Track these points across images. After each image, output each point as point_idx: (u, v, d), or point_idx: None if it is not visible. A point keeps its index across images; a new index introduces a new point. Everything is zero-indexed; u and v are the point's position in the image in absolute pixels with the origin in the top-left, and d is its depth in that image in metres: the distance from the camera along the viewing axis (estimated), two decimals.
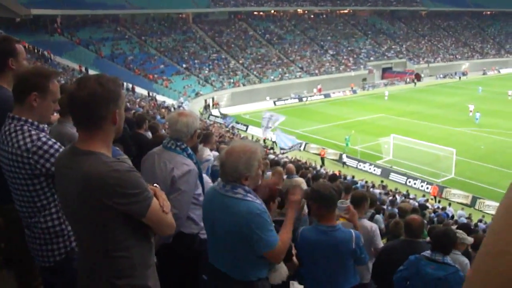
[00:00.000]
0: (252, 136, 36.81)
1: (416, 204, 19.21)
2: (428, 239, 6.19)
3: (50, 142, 2.92)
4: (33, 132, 2.92)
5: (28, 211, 2.97)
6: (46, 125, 3.14)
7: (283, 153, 30.52)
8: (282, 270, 3.62)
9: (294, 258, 4.02)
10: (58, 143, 2.98)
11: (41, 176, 2.90)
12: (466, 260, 5.42)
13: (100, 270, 2.31)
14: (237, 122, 42.13)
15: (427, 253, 4.44)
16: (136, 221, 2.29)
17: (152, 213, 2.27)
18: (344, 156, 33.47)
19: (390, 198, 19.83)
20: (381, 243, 5.97)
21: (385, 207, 15.60)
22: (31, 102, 2.94)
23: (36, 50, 43.54)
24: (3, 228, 3.97)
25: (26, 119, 2.95)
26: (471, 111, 43.86)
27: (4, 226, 3.80)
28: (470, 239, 5.87)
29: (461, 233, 5.74)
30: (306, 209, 7.36)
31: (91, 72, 44.06)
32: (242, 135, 37.23)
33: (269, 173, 7.73)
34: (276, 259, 3.22)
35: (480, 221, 19.94)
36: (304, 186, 8.44)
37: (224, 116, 40.51)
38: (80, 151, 2.25)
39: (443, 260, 4.34)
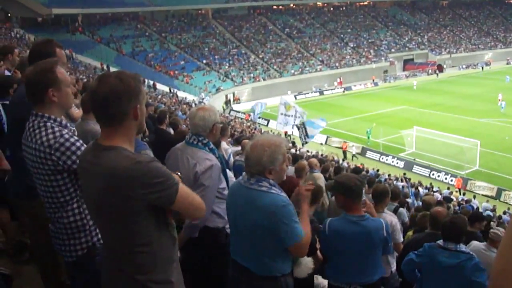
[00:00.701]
0: (271, 130, 36.75)
1: (440, 196, 19.04)
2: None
3: (72, 140, 2.96)
4: (56, 129, 2.96)
5: (52, 206, 3.02)
6: (69, 123, 3.18)
7: (304, 144, 30.38)
8: (307, 264, 3.62)
9: (318, 252, 4.03)
10: (81, 141, 3.02)
11: (64, 172, 2.94)
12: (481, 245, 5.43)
13: (123, 265, 2.34)
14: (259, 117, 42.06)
15: (440, 242, 4.44)
16: (160, 215, 2.32)
17: (180, 198, 2.30)
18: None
19: (413, 190, 19.68)
20: (401, 238, 5.96)
21: (410, 200, 15.49)
22: (51, 98, 2.98)
23: None
24: (28, 225, 4.05)
25: (49, 116, 2.99)
26: (500, 99, 43.24)
27: (29, 222, 3.88)
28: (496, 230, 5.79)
29: (498, 230, 5.68)
30: (327, 202, 7.36)
31: (112, 69, 44.54)
32: (263, 130, 37.22)
33: (291, 168, 7.70)
34: (301, 252, 3.22)
35: (505, 213, 19.66)
36: (322, 181, 8.39)
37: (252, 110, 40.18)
38: (103, 146, 2.28)
39: (456, 248, 4.33)
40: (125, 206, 2.22)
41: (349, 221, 4.03)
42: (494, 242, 5.41)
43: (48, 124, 2.97)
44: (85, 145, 2.94)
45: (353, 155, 32.64)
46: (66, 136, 2.95)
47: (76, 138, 3.00)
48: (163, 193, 2.24)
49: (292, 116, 32.66)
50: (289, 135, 34.71)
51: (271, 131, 35.98)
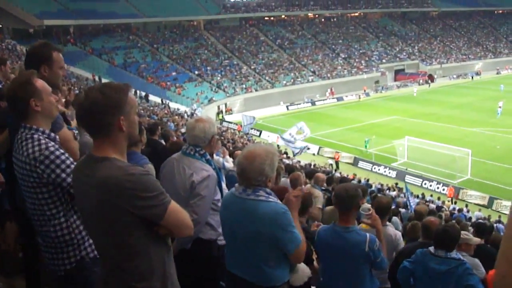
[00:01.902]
0: (264, 142, 36.79)
1: (433, 206, 19.08)
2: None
3: (57, 152, 2.93)
4: (42, 141, 2.94)
5: (40, 219, 3.00)
6: (56, 135, 3.16)
7: (295, 155, 30.46)
8: (304, 271, 3.63)
9: (315, 263, 4.03)
10: (66, 154, 2.99)
11: (49, 185, 2.92)
12: (475, 260, 5.38)
13: (120, 275, 2.34)
14: (252, 128, 42.16)
15: (432, 248, 4.45)
16: (154, 226, 2.32)
17: (169, 215, 2.30)
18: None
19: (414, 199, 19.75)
20: None
21: (403, 210, 15.52)
22: (34, 108, 2.98)
23: None
24: (18, 235, 4.04)
25: (37, 128, 2.99)
26: (500, 107, 43.95)
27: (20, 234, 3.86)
28: (475, 239, 5.79)
29: (464, 234, 5.69)
30: (320, 214, 7.34)
31: (104, 81, 44.51)
32: (256, 140, 37.25)
33: (283, 180, 7.68)
34: (300, 258, 3.23)
35: (498, 221, 19.72)
36: (320, 197, 8.23)
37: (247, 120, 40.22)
38: (96, 157, 2.31)
39: (446, 255, 4.34)
40: (118, 217, 2.23)
41: (334, 231, 4.00)
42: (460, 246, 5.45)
43: (35, 136, 2.96)
44: (71, 159, 2.97)
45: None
46: (52, 148, 2.92)
47: (62, 151, 2.97)
48: (153, 208, 2.25)
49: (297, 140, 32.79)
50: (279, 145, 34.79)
51: (263, 142, 35.99)
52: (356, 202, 3.98)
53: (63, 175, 2.88)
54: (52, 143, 2.99)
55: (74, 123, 4.54)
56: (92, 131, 2.35)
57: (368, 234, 3.95)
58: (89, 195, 2.28)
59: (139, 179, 2.22)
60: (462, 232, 5.78)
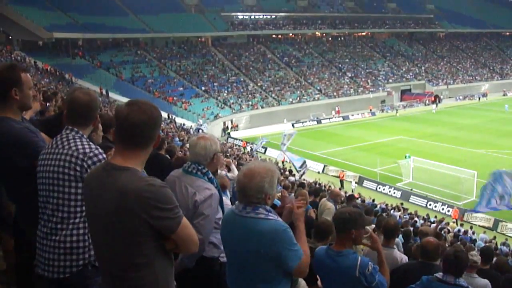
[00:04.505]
0: (269, 159, 36.76)
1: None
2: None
3: (104, 155, 3.10)
4: (91, 143, 3.12)
5: (58, 215, 3.00)
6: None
7: (300, 173, 30.39)
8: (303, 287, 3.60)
9: (319, 283, 3.98)
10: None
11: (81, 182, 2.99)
12: (485, 281, 5.32)
13: (124, 284, 2.36)
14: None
15: (439, 274, 4.33)
16: (163, 238, 2.37)
17: (181, 230, 2.38)
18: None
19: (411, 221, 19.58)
20: None
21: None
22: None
23: (57, 73, 44.34)
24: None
25: (83, 134, 3.16)
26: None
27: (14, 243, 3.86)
28: (478, 258, 5.75)
29: (474, 255, 5.64)
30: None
31: (112, 94, 44.75)
32: (260, 157, 37.23)
33: (292, 196, 7.68)
34: (302, 273, 3.18)
35: (503, 244, 19.55)
36: (331, 210, 8.25)
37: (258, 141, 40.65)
38: (117, 166, 2.37)
39: (455, 282, 4.23)
40: (132, 226, 2.28)
41: (327, 254, 3.91)
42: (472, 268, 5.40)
43: (83, 138, 3.13)
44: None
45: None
46: (100, 150, 3.12)
47: (104, 155, 3.14)
48: (168, 220, 2.32)
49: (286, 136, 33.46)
50: (287, 162, 34.76)
51: (269, 159, 36.01)
52: (349, 226, 3.82)
53: None
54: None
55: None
56: (136, 143, 2.42)
57: (359, 257, 3.78)
58: (105, 202, 2.33)
59: (159, 190, 2.30)
60: (472, 253, 5.73)
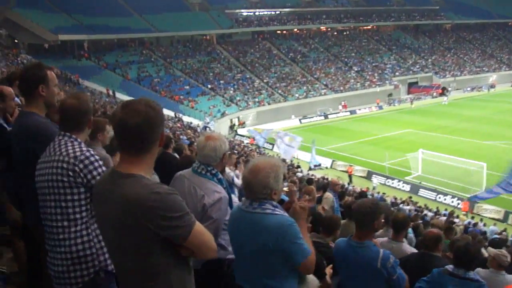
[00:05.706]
0: (277, 154, 36.73)
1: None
2: (448, 253, 6.00)
3: (96, 157, 3.06)
4: (83, 146, 3.09)
5: (58, 225, 2.96)
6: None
7: (314, 169, 30.41)
8: (313, 283, 3.57)
9: (328, 277, 3.97)
10: (101, 162, 3.09)
11: (81, 187, 2.96)
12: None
13: None
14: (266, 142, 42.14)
15: (450, 267, 4.31)
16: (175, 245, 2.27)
17: (194, 237, 2.24)
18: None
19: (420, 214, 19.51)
20: None
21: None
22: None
23: (64, 75, 44.44)
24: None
25: (76, 138, 3.13)
26: None
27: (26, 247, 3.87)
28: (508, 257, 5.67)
29: (501, 252, 5.56)
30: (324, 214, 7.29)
31: (119, 95, 44.84)
32: (268, 154, 37.19)
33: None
34: (309, 270, 3.19)
35: None
36: (328, 199, 8.33)
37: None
38: (122, 174, 2.25)
39: (465, 275, 4.21)
40: (139, 236, 2.17)
41: (348, 245, 4.01)
42: (500, 264, 5.35)
43: (76, 142, 3.11)
44: (103, 167, 3.05)
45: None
46: (92, 152, 3.11)
47: (98, 157, 3.11)
48: (177, 229, 2.19)
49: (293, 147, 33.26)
50: (296, 158, 34.74)
51: (277, 155, 35.96)
52: (372, 218, 3.92)
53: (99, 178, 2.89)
54: (91, 149, 3.15)
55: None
56: (136, 148, 2.27)
57: (382, 250, 3.91)
58: (110, 211, 2.24)
59: (164, 198, 2.16)
60: (500, 250, 5.67)
